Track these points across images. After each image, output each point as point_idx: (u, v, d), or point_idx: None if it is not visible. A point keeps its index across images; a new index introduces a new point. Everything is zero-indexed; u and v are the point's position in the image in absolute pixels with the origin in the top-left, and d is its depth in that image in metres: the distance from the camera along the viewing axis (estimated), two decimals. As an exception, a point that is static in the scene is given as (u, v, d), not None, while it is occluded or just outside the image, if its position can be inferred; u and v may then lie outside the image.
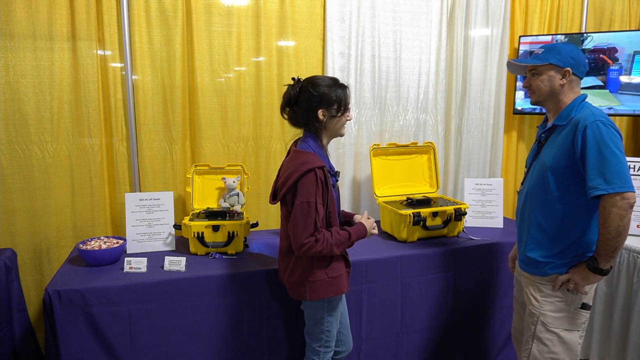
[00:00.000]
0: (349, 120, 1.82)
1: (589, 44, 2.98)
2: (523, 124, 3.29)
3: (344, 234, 1.74)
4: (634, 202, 1.53)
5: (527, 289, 1.80)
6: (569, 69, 1.69)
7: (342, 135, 1.83)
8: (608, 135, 1.55)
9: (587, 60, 1.76)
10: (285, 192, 1.69)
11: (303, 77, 1.78)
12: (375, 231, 1.87)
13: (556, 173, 1.66)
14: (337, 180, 1.84)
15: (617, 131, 1.59)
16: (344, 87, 1.77)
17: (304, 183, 1.65)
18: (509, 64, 1.86)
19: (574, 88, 1.72)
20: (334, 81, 1.76)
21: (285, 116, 1.81)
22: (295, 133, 1.85)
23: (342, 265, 1.81)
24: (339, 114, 1.76)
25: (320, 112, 1.72)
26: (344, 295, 1.92)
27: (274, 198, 1.79)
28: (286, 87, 1.78)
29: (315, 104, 1.71)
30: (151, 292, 1.93)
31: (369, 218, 1.88)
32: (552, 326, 1.72)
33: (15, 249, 2.27)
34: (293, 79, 1.77)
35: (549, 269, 1.72)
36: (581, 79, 1.73)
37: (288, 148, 1.91)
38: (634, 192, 1.54)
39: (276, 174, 1.85)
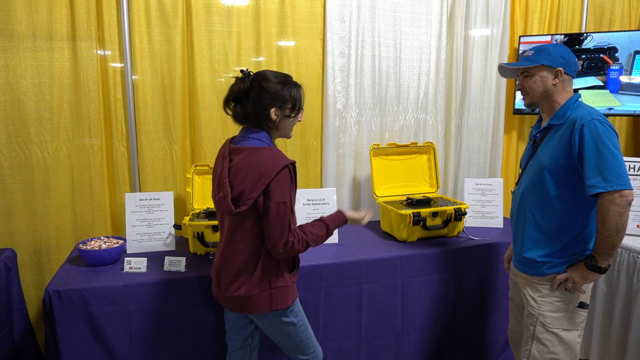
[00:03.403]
0: (299, 121, 1.69)
1: (589, 44, 2.98)
2: (523, 124, 3.29)
3: (320, 227, 1.62)
4: (632, 199, 1.54)
5: (525, 290, 1.80)
6: (560, 68, 1.70)
7: (289, 137, 1.69)
8: (605, 134, 1.56)
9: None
10: (257, 195, 1.49)
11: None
12: (366, 220, 1.79)
13: (553, 172, 1.66)
14: None
15: (614, 129, 1.60)
16: (298, 86, 1.63)
17: (279, 181, 1.49)
18: (500, 68, 1.87)
19: (567, 87, 1.73)
20: (288, 79, 1.61)
21: (229, 111, 1.62)
22: None
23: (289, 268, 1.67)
24: (293, 115, 1.61)
25: (272, 111, 1.56)
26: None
27: (235, 205, 1.51)
28: (234, 79, 1.60)
29: (268, 101, 1.55)
30: (151, 292, 1.93)
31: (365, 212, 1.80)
32: (552, 326, 1.72)
33: (15, 249, 2.27)
34: (242, 71, 1.60)
35: (546, 268, 1.71)
36: (573, 78, 1.75)
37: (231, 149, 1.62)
38: (632, 189, 1.54)
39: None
